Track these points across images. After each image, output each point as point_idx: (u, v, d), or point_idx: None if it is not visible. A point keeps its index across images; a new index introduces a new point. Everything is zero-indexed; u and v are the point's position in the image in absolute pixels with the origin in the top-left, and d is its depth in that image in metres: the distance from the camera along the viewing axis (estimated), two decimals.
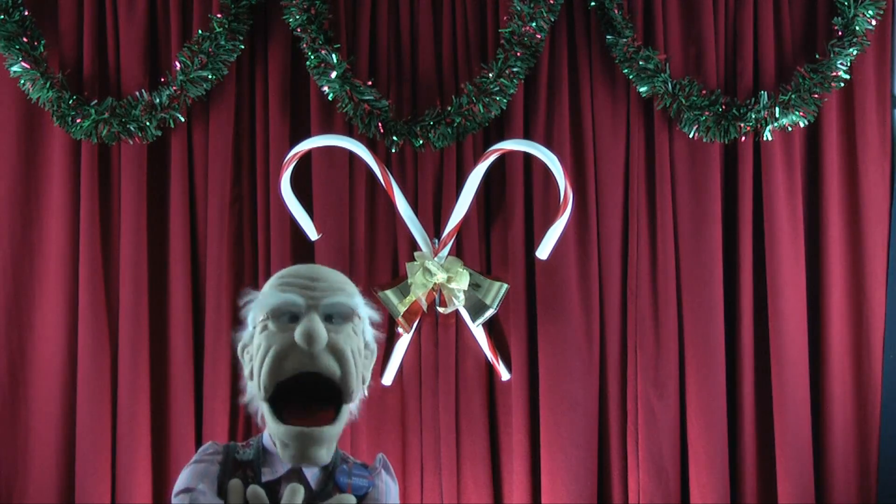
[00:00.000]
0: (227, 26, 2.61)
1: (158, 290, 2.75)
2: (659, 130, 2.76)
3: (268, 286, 1.35)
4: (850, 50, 2.64)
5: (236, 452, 1.39)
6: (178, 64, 2.63)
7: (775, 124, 2.66)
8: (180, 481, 1.34)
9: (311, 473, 1.35)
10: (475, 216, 2.73)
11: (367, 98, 2.62)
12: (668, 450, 2.75)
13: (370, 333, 1.38)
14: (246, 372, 1.35)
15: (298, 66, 2.73)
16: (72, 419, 2.72)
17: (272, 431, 1.28)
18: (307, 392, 1.27)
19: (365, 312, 1.36)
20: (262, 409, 1.29)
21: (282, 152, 2.68)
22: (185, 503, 1.30)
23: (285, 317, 1.29)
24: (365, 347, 1.36)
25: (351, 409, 1.32)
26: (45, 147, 2.75)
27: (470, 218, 2.70)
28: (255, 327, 1.33)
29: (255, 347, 1.31)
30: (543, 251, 2.62)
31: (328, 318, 1.29)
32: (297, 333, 1.24)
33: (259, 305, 1.32)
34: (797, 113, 2.66)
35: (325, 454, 1.26)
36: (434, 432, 2.74)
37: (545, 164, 2.62)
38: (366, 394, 1.38)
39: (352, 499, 1.24)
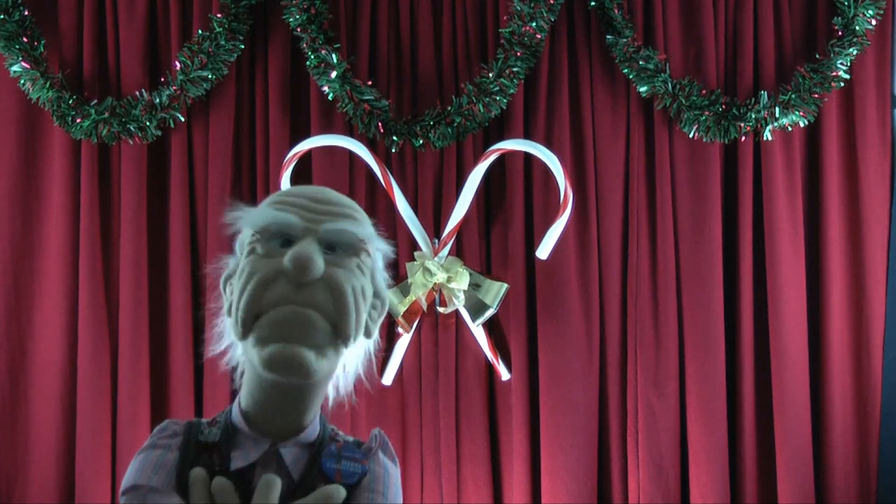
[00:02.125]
0: (227, 26, 2.61)
1: (158, 289, 2.75)
2: (659, 130, 2.76)
3: (263, 203, 1.11)
4: (850, 50, 2.64)
5: (199, 433, 1.11)
6: (178, 64, 2.63)
7: (775, 124, 2.67)
8: (129, 474, 1.07)
9: (292, 457, 1.08)
10: (475, 216, 2.73)
11: (367, 98, 2.62)
12: (668, 450, 2.75)
13: (382, 278, 1.14)
14: (225, 307, 1.10)
15: (298, 66, 2.73)
16: (72, 419, 2.72)
17: (250, 357, 1.05)
18: None
19: (378, 249, 1.12)
20: (238, 351, 1.09)
21: (282, 152, 2.68)
22: None
23: (277, 240, 1.06)
24: (374, 295, 1.12)
25: (346, 362, 1.11)
26: (45, 147, 2.75)
27: (470, 218, 2.70)
28: (242, 253, 1.09)
29: (237, 275, 1.07)
30: (543, 251, 2.62)
31: (329, 248, 1.06)
32: (287, 257, 1.01)
33: (248, 223, 1.08)
34: (797, 113, 2.66)
35: (314, 361, 1.02)
36: (434, 432, 2.74)
37: (545, 164, 2.62)
38: (374, 360, 1.16)
39: (341, 492, 1.04)
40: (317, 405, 1.11)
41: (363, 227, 1.10)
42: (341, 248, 1.07)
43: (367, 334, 1.12)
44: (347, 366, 1.14)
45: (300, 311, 1.01)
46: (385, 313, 1.15)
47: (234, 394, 2.90)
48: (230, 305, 1.07)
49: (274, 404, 1.08)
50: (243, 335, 1.04)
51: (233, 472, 1.06)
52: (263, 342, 1.02)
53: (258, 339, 1.02)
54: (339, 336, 1.04)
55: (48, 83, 2.59)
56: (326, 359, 1.04)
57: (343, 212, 1.10)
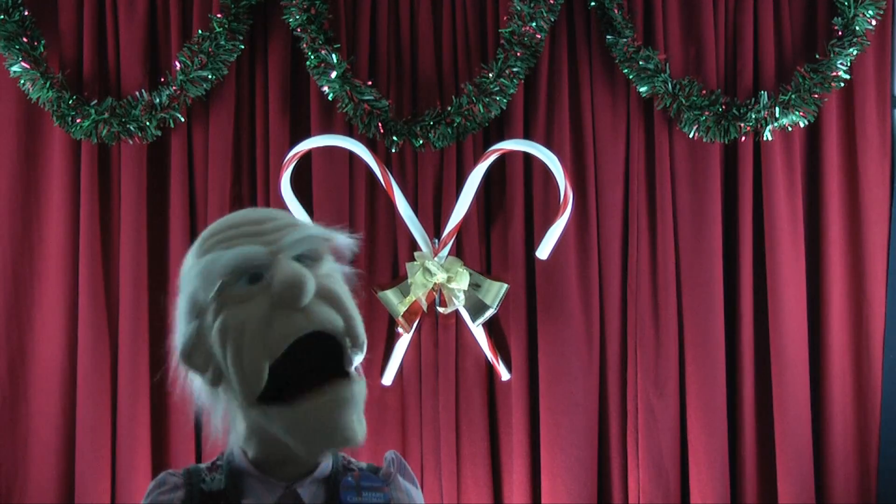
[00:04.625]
0: (227, 26, 2.61)
1: (158, 290, 2.75)
2: (659, 130, 2.76)
3: (194, 256, 1.01)
4: (850, 50, 2.64)
5: (202, 481, 1.03)
6: (178, 64, 2.63)
7: (775, 124, 2.66)
8: None
9: (310, 496, 1.01)
10: (475, 216, 2.73)
11: (367, 98, 2.62)
12: (668, 450, 2.75)
13: (346, 269, 1.07)
14: (202, 380, 0.99)
15: (298, 66, 2.73)
16: (72, 419, 2.72)
17: (273, 426, 0.95)
18: (303, 371, 0.96)
19: (330, 241, 1.04)
20: (245, 417, 0.98)
21: (282, 152, 2.67)
22: None
23: (242, 280, 0.96)
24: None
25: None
26: (45, 147, 2.75)
27: (470, 218, 2.70)
28: (197, 319, 0.98)
29: (213, 338, 0.95)
30: (543, 251, 2.62)
31: (298, 260, 0.98)
32: (277, 284, 0.92)
33: (199, 282, 0.96)
34: (797, 113, 2.66)
35: (358, 424, 0.95)
36: (434, 432, 2.74)
37: (545, 164, 2.62)
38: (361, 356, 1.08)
39: None
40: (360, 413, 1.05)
41: (314, 230, 1.02)
42: (308, 258, 0.99)
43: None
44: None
45: (336, 413, 0.94)
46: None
47: None
48: (214, 374, 0.97)
49: (288, 455, 0.99)
50: (258, 393, 0.93)
51: None
52: (301, 425, 0.94)
53: (301, 427, 0.94)
54: (354, 345, 0.98)
55: (48, 83, 2.59)
56: (362, 396, 0.99)
57: (289, 222, 1.02)
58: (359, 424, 0.96)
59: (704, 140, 2.70)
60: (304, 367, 0.96)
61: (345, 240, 1.05)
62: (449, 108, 2.67)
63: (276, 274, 0.93)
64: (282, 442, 0.97)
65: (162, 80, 2.69)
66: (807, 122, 2.69)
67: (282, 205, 2.64)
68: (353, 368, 0.99)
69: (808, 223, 2.81)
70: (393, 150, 2.71)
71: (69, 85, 2.66)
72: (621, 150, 2.79)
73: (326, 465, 1.04)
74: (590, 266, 2.76)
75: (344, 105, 2.62)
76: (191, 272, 0.98)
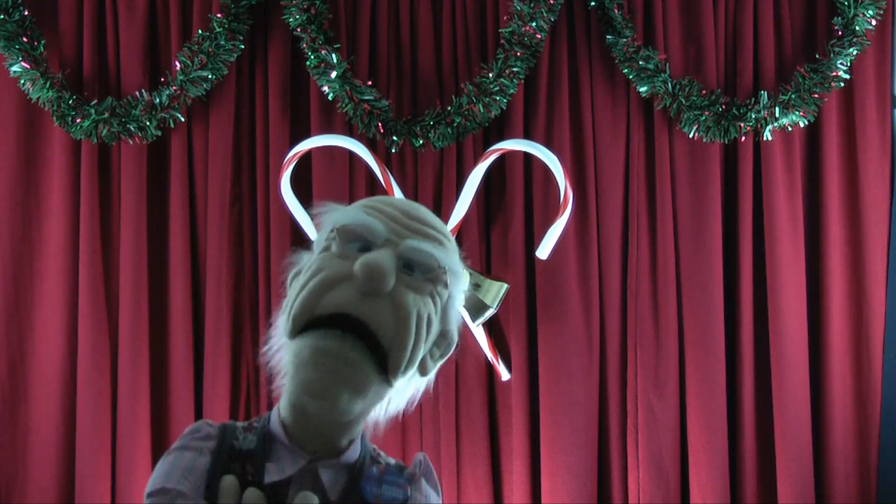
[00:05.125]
0: (227, 26, 2.61)
1: (158, 290, 2.75)
2: (659, 130, 2.76)
3: (353, 204, 1.05)
4: (850, 50, 2.64)
5: (234, 438, 1.04)
6: (178, 64, 2.63)
7: (775, 124, 2.66)
8: (156, 476, 1.01)
9: (330, 478, 1.01)
10: (475, 216, 2.73)
11: (367, 98, 2.62)
12: (668, 450, 2.75)
13: (455, 317, 1.06)
14: (284, 303, 1.03)
15: (298, 66, 2.73)
16: (72, 419, 2.72)
17: (288, 353, 0.99)
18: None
19: (457, 287, 1.04)
20: (286, 365, 1.01)
21: (282, 152, 2.67)
22: None
23: (355, 244, 0.99)
24: (441, 334, 1.04)
25: (391, 397, 1.04)
26: (45, 147, 2.75)
27: (470, 218, 2.70)
28: (317, 250, 1.03)
29: (304, 270, 1.01)
30: (543, 251, 2.62)
31: (407, 267, 0.99)
32: (359, 262, 0.94)
33: (331, 219, 1.02)
34: (797, 113, 2.66)
35: (348, 399, 0.95)
36: (434, 432, 2.74)
37: (545, 164, 2.62)
38: (421, 393, 1.09)
39: None
40: (356, 429, 1.05)
41: (448, 255, 1.02)
42: (419, 271, 1.00)
43: (423, 371, 1.05)
44: (392, 400, 1.06)
45: (346, 354, 0.94)
46: (449, 355, 1.08)
47: (234, 394, 2.88)
48: (289, 301, 1.00)
49: (311, 420, 1.01)
50: (292, 334, 0.97)
51: (266, 485, 0.99)
52: (302, 366, 0.96)
53: (298, 359, 0.96)
54: (388, 368, 0.96)
55: (48, 83, 2.59)
56: (364, 398, 0.98)
57: (431, 233, 1.02)
58: (349, 399, 0.96)
59: (704, 140, 2.70)
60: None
61: (463, 283, 1.06)
62: (449, 108, 2.67)
63: (369, 255, 0.95)
64: (309, 411, 0.99)
65: (162, 80, 2.69)
66: (807, 122, 2.69)
67: (282, 204, 2.64)
68: (393, 376, 0.98)
69: (808, 223, 2.81)
70: (393, 150, 2.71)
71: (69, 85, 2.66)
72: (621, 150, 2.79)
73: (354, 451, 1.04)
74: (590, 266, 2.76)
75: (344, 105, 2.62)
76: (337, 210, 1.03)
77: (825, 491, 2.78)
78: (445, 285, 1.02)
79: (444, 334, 1.06)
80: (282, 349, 1.03)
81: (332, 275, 0.96)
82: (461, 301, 1.07)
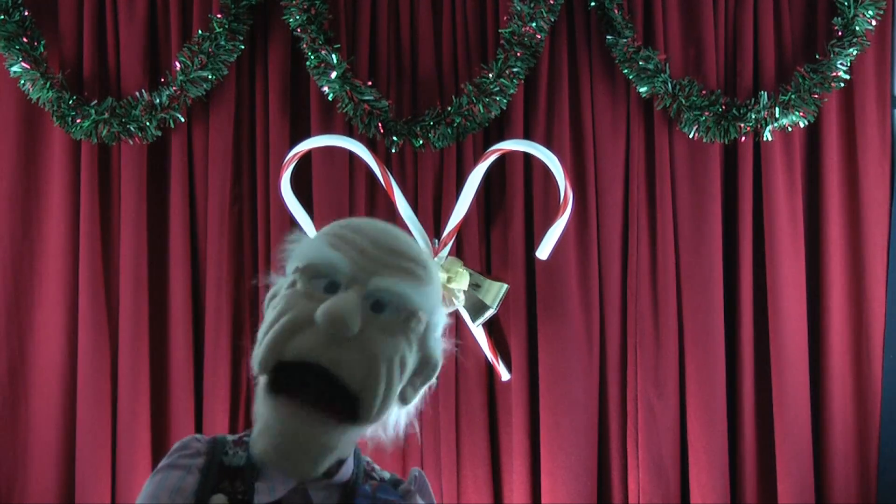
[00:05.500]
0: (227, 26, 2.61)
1: (158, 290, 2.75)
2: (659, 130, 2.76)
3: (319, 233, 1.01)
4: (850, 50, 2.64)
5: (224, 453, 1.02)
6: (178, 64, 2.63)
7: (775, 124, 2.66)
8: (143, 497, 0.99)
9: (322, 498, 1.00)
10: (475, 216, 2.73)
11: (367, 98, 2.62)
12: (668, 450, 2.75)
13: (436, 344, 1.05)
14: (259, 332, 1.00)
15: (298, 66, 2.73)
16: (72, 419, 2.72)
17: (257, 407, 0.96)
18: (318, 389, 0.94)
19: (435, 316, 1.02)
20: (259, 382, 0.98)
21: (282, 152, 2.67)
22: None
23: (321, 280, 0.95)
24: (421, 363, 1.02)
25: (368, 433, 1.04)
26: (45, 147, 2.75)
27: (470, 218, 2.70)
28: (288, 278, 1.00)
29: (272, 306, 0.98)
30: (543, 251, 2.62)
31: (376, 306, 0.95)
32: (320, 309, 0.90)
33: (297, 252, 0.99)
34: (797, 113, 2.66)
35: (307, 464, 0.94)
36: (434, 432, 2.74)
37: (545, 164, 2.62)
38: (409, 423, 1.09)
39: None
40: (344, 453, 1.02)
41: (421, 289, 0.97)
42: (391, 310, 0.95)
43: (404, 401, 1.03)
44: (378, 431, 1.05)
45: (304, 430, 0.92)
46: (432, 379, 1.05)
47: (234, 394, 2.87)
48: (259, 337, 0.97)
49: (282, 453, 0.96)
50: (259, 373, 0.95)
51: None
52: (267, 427, 0.94)
53: (267, 401, 0.94)
54: (358, 414, 0.93)
55: (48, 83, 2.59)
56: (333, 450, 0.96)
57: (403, 265, 0.97)
58: (311, 465, 0.94)
59: (704, 140, 2.70)
60: (315, 389, 0.93)
61: (440, 314, 1.03)
62: (449, 108, 2.67)
63: (331, 302, 0.91)
64: (272, 430, 0.97)
65: (162, 80, 2.69)
66: (807, 123, 2.69)
67: (282, 204, 2.64)
68: (360, 417, 0.96)
69: (808, 223, 2.81)
70: (393, 150, 2.71)
71: (69, 85, 2.66)
72: (621, 150, 2.79)
73: (347, 469, 1.02)
74: (590, 266, 2.76)
75: (344, 105, 2.62)
76: (303, 242, 0.99)
77: (825, 491, 2.78)
78: (419, 319, 0.98)
79: (424, 361, 1.03)
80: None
81: (296, 318, 0.92)
82: (442, 324, 1.04)
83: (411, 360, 0.99)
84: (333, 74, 2.58)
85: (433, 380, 1.05)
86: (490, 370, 2.78)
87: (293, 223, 2.67)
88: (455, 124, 2.65)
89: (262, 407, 0.95)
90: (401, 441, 1.08)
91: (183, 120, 2.69)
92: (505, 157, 2.71)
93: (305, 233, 0.97)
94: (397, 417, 1.06)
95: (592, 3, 2.72)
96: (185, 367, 2.72)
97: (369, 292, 0.94)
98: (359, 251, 0.95)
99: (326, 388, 0.93)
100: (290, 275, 0.99)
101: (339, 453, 1.01)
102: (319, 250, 0.95)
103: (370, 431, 1.04)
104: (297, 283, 0.96)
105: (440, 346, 1.05)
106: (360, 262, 0.94)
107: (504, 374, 2.74)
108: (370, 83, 2.68)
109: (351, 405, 0.93)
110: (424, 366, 1.03)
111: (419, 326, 0.99)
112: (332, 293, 0.93)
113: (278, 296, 0.98)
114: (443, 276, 2.63)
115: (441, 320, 1.04)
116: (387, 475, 1.08)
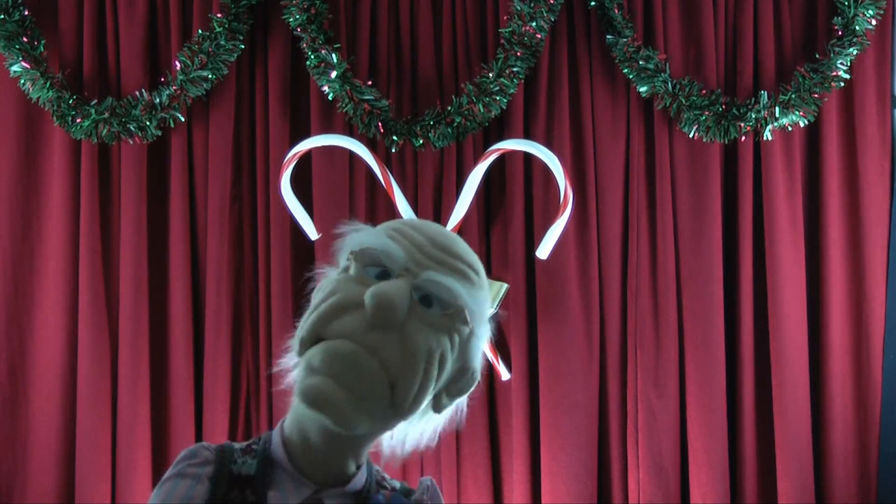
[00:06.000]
0: (227, 26, 2.61)
1: (158, 290, 2.75)
2: (659, 130, 2.76)
3: (381, 225, 1.00)
4: (850, 50, 2.64)
5: (233, 462, 0.99)
6: (178, 64, 2.63)
7: (775, 124, 2.66)
8: None
9: None
10: (475, 216, 2.73)
11: (367, 98, 2.62)
12: (668, 450, 2.75)
13: (477, 355, 1.01)
14: (302, 319, 0.98)
15: (298, 66, 2.73)
16: (72, 419, 2.72)
17: (298, 368, 0.93)
18: None
19: (481, 325, 0.99)
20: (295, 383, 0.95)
21: (282, 152, 2.68)
22: None
23: (374, 268, 0.94)
24: (459, 371, 0.99)
25: (398, 432, 1.00)
26: (45, 147, 2.75)
27: (470, 218, 2.70)
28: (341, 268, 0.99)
29: (321, 288, 0.97)
30: (543, 251, 2.62)
31: (425, 300, 0.93)
32: (369, 292, 0.89)
33: (353, 239, 0.97)
34: (797, 113, 2.66)
35: (354, 413, 0.89)
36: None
37: (545, 164, 2.62)
38: (433, 436, 1.04)
39: None
40: (361, 455, 1.00)
41: (473, 292, 0.96)
42: (438, 305, 0.94)
43: (437, 408, 1.00)
44: (406, 437, 1.02)
45: (361, 356, 0.89)
46: (470, 391, 1.02)
47: (234, 394, 2.87)
48: (303, 320, 0.95)
49: (315, 442, 0.95)
50: (299, 352, 0.93)
51: None
52: (310, 371, 0.90)
53: (307, 365, 0.91)
54: (394, 402, 0.90)
55: (48, 83, 2.59)
56: (370, 418, 0.91)
57: (457, 266, 0.96)
58: (354, 411, 0.89)
59: (704, 140, 2.70)
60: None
61: (488, 328, 1.00)
62: (449, 108, 2.67)
63: (381, 285, 0.90)
64: (306, 417, 0.95)
65: (162, 80, 2.69)
66: (807, 122, 2.69)
67: (282, 204, 2.64)
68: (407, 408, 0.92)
69: (808, 223, 2.82)
70: (393, 150, 2.71)
71: (69, 85, 2.66)
72: (621, 150, 2.79)
73: (360, 479, 1.00)
74: (590, 266, 2.76)
75: (344, 105, 2.62)
76: (359, 231, 0.98)
77: (825, 491, 2.78)
78: (465, 322, 0.96)
79: (462, 370, 1.00)
80: (296, 366, 0.98)
81: (343, 300, 0.92)
82: (486, 337, 1.01)
83: (450, 363, 0.96)
84: (333, 74, 2.58)
85: (468, 393, 1.01)
86: (490, 370, 2.78)
87: (293, 223, 2.67)
88: (455, 124, 2.65)
89: (306, 360, 0.92)
90: (419, 453, 1.04)
91: (183, 120, 2.69)
92: (505, 157, 2.71)
93: (362, 223, 0.95)
94: (424, 427, 1.03)
95: (592, 3, 2.72)
96: (185, 366, 2.72)
97: (421, 284, 0.93)
98: (416, 245, 0.95)
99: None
100: (342, 261, 0.98)
101: (361, 455, 0.99)
102: (377, 238, 0.94)
103: (395, 435, 1.01)
104: (349, 268, 0.96)
105: (480, 358, 1.01)
106: (415, 255, 0.94)
107: (504, 374, 2.74)
108: (370, 83, 2.68)
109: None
110: (462, 374, 1.00)
111: (464, 330, 0.96)
112: (380, 279, 0.93)
113: (328, 280, 0.97)
114: None
115: (485, 333, 1.01)
116: (398, 484, 1.06)
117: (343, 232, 0.99)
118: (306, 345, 0.92)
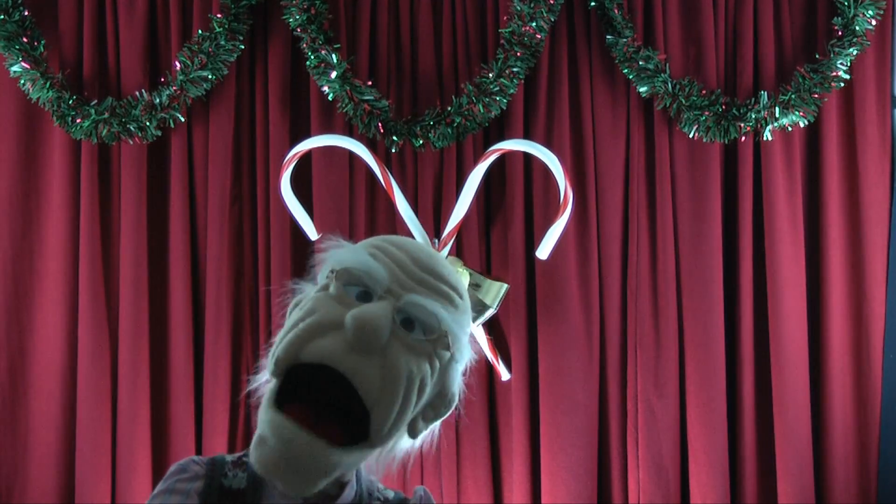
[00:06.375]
0: (227, 26, 2.61)
1: (158, 289, 2.76)
2: (659, 130, 2.76)
3: (360, 242, 0.99)
4: (850, 50, 2.64)
5: (223, 475, 0.98)
6: (178, 64, 2.63)
7: (775, 124, 2.67)
8: None
9: None
10: (475, 216, 2.73)
11: (367, 98, 2.62)
12: (668, 450, 2.75)
13: (456, 380, 1.00)
14: (277, 337, 0.95)
15: (298, 66, 2.73)
16: (72, 419, 2.72)
17: (259, 418, 0.89)
18: (329, 399, 0.90)
19: (461, 349, 0.98)
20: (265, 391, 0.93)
21: (282, 152, 2.67)
22: None
23: (354, 288, 0.92)
24: (437, 396, 0.98)
25: (371, 457, 0.96)
26: (45, 147, 2.75)
27: (470, 218, 2.70)
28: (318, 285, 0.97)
29: (299, 307, 0.94)
30: (543, 251, 2.62)
31: (406, 323, 0.92)
32: (350, 314, 0.86)
33: (333, 256, 0.95)
34: (797, 113, 2.66)
35: (304, 485, 0.86)
36: (433, 432, 2.73)
37: (545, 164, 2.62)
38: (406, 459, 1.02)
39: None
40: (346, 476, 0.98)
41: (456, 315, 0.95)
42: (420, 329, 0.92)
43: (412, 433, 0.98)
44: (376, 462, 0.99)
45: (305, 452, 0.84)
46: (445, 416, 1.01)
47: (234, 394, 2.87)
48: (278, 338, 0.93)
49: (278, 472, 0.89)
50: (273, 372, 0.89)
51: None
52: (261, 442, 0.86)
53: (259, 434, 0.87)
54: (368, 432, 0.88)
55: (48, 83, 2.59)
56: (328, 476, 0.88)
57: (440, 289, 0.94)
58: (307, 485, 0.86)
59: (704, 140, 2.70)
60: (324, 400, 0.89)
61: (469, 352, 0.99)
62: (449, 108, 2.67)
63: (363, 308, 0.88)
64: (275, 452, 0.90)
65: (162, 80, 2.69)
66: (807, 122, 2.69)
67: (282, 204, 2.64)
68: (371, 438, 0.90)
69: (808, 223, 2.82)
70: (393, 150, 2.71)
71: (69, 85, 2.66)
72: (621, 150, 2.79)
73: (350, 493, 0.99)
74: (590, 266, 2.76)
75: (344, 105, 2.62)
76: (341, 248, 0.96)
77: (825, 491, 2.78)
78: (447, 347, 0.94)
79: (441, 395, 0.98)
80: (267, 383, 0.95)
81: (322, 320, 0.89)
82: (466, 362, 0.99)
83: (429, 388, 0.94)
84: (333, 74, 2.58)
85: (442, 419, 1.00)
86: (490, 370, 2.78)
87: (293, 223, 2.67)
88: (455, 124, 2.65)
89: (264, 415, 0.88)
90: (393, 475, 1.01)
91: (183, 120, 2.69)
92: (505, 157, 2.71)
93: (343, 238, 0.92)
94: (398, 452, 1.00)
95: (592, 3, 2.72)
96: (185, 366, 2.72)
97: (403, 307, 0.91)
98: (399, 265, 0.93)
99: (339, 398, 0.88)
100: (322, 278, 0.95)
101: (339, 475, 0.95)
102: (359, 257, 0.92)
103: (372, 459, 0.98)
104: (329, 286, 0.93)
105: (459, 383, 1.00)
106: (398, 276, 0.92)
107: (504, 374, 2.74)
108: (370, 83, 2.68)
109: (359, 422, 0.88)
110: (440, 400, 0.99)
111: (445, 355, 0.95)
112: (364, 302, 0.90)
113: (306, 298, 0.94)
114: None
115: (465, 357, 0.99)
116: (391, 494, 1.04)
117: (325, 246, 0.97)
118: (281, 365, 0.89)
